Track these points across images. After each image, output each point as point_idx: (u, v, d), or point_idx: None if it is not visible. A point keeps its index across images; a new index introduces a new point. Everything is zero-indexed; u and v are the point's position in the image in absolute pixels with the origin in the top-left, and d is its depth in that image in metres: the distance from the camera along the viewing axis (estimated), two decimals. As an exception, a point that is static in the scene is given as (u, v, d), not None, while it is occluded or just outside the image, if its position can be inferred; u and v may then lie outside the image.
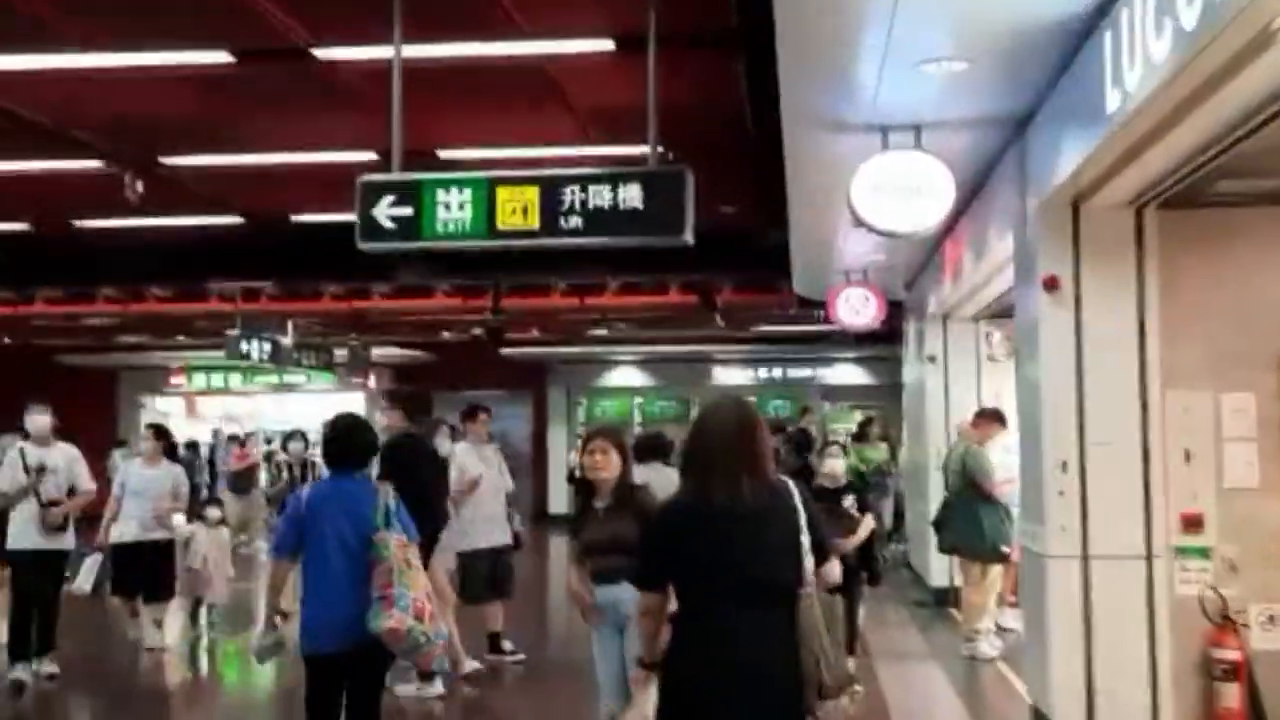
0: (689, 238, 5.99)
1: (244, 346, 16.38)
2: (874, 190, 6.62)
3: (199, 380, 25.37)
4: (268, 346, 17.04)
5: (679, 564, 3.42)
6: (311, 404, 25.03)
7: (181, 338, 20.88)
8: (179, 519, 10.22)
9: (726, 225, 11.74)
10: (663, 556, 3.48)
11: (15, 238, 13.31)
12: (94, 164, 9.92)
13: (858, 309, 12.44)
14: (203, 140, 9.50)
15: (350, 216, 6.30)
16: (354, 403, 24.49)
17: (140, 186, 9.77)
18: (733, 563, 3.31)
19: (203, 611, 10.57)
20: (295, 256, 13.78)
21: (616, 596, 4.95)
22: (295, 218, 12.52)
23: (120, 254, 13.77)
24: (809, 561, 3.33)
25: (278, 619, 5.10)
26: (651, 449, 7.29)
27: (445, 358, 24.10)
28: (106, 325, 18.69)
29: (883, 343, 18.10)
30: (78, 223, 12.59)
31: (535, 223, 6.07)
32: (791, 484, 3.47)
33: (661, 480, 6.01)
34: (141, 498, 9.48)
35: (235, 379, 25.10)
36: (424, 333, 20.66)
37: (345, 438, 5.15)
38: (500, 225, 6.10)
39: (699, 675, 3.31)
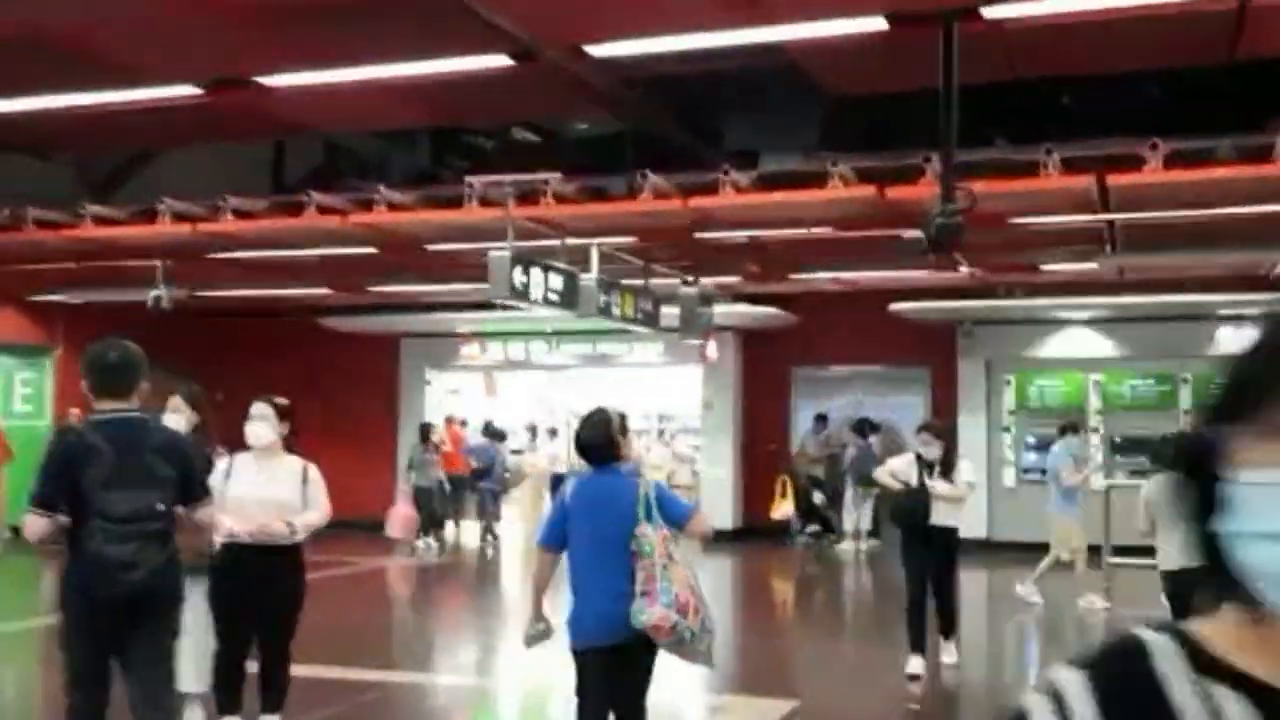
0: None
1: (517, 277, 10.19)
2: None
3: (495, 351, 19.76)
4: (558, 279, 10.80)
5: None
6: (633, 381, 19.13)
7: (458, 286, 15.03)
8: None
9: None
10: None
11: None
12: None
13: None
14: None
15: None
16: (689, 381, 18.31)
17: None
18: None
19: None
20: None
21: None
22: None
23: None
24: None
25: (545, 610, 5.14)
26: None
27: (811, 315, 17.33)
28: (350, 258, 13.03)
29: None
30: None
31: None
32: None
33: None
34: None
35: (539, 348, 19.36)
36: (780, 263, 13.69)
37: (599, 430, 5.10)
38: None
39: None
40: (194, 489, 5.02)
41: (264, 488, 6.06)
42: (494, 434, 17.56)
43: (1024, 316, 16.71)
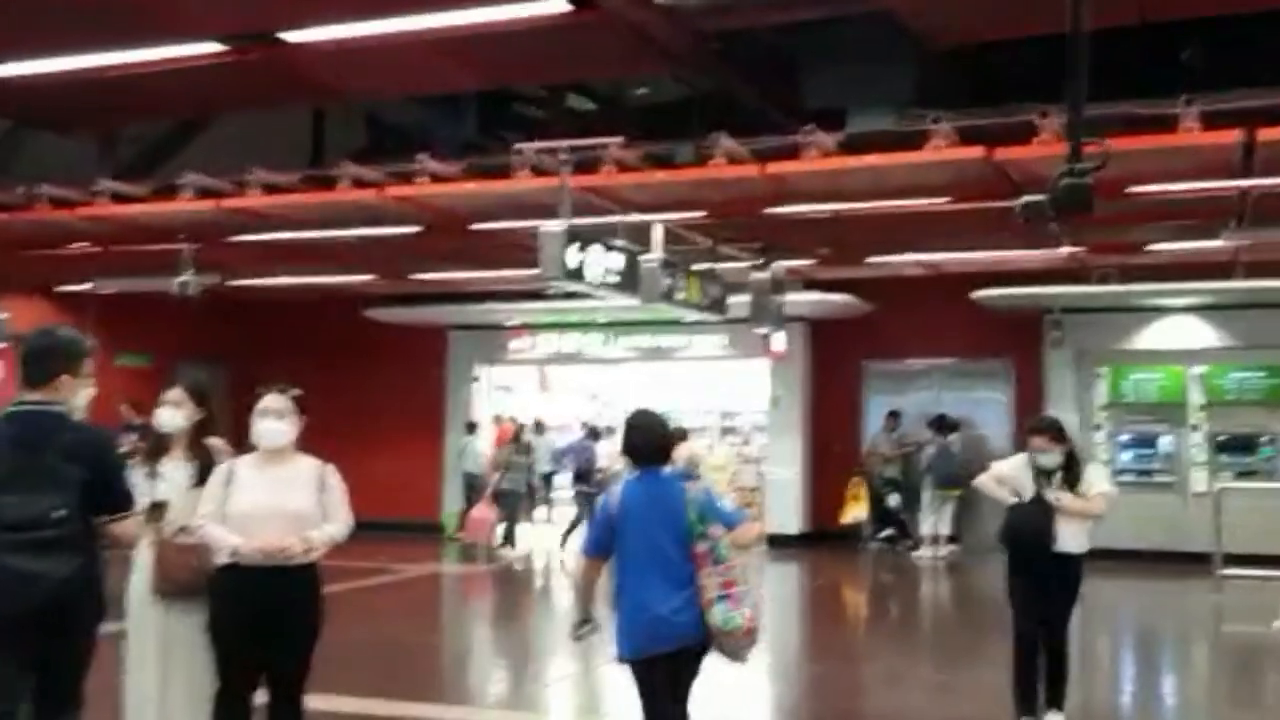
0: None
1: (572, 256, 9.07)
2: None
3: (548, 344, 18.70)
4: (617, 260, 9.68)
5: None
6: (694, 376, 18.07)
7: (509, 272, 13.96)
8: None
9: None
10: None
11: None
12: None
13: None
14: None
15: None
16: (755, 376, 17.20)
17: None
18: None
19: None
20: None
21: None
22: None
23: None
24: None
25: (591, 612, 5.01)
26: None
27: (884, 304, 16.14)
28: (390, 240, 11.97)
29: None
30: None
31: None
32: None
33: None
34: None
35: (595, 341, 18.29)
36: (861, 243, 12.46)
37: (649, 432, 4.99)
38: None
39: None
40: (108, 497, 4.35)
41: (274, 497, 5.02)
42: (594, 433, 16.46)
43: (1118, 304, 15.37)
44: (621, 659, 4.80)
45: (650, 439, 4.98)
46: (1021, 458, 6.69)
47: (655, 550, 4.74)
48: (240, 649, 5.01)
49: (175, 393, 5.50)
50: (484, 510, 15.65)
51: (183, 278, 12.03)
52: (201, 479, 5.21)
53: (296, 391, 5.20)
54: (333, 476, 5.16)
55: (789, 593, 14.62)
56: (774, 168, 8.72)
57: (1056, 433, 6.57)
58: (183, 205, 10.47)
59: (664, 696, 4.77)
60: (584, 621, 5.02)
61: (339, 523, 5.10)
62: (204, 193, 10.45)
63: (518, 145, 9.33)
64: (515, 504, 15.84)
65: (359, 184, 9.94)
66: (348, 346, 18.85)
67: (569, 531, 15.33)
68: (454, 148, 11.41)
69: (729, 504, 5.23)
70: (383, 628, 10.43)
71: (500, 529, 15.83)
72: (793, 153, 8.59)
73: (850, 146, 8.70)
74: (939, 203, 9.26)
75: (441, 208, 10.40)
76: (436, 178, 9.76)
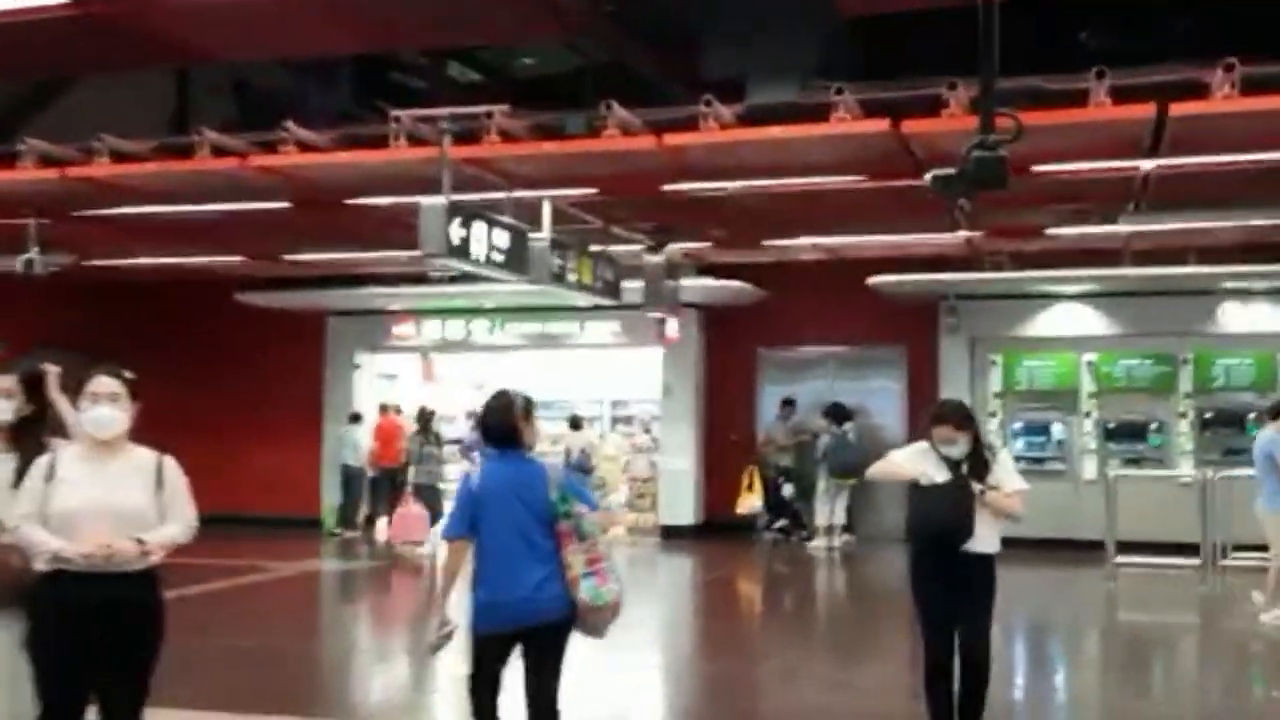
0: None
1: (455, 232, 8.46)
2: None
3: (431, 330, 17.97)
4: (503, 237, 9.09)
5: None
6: (585, 364, 17.60)
7: (390, 253, 13.24)
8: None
9: None
10: None
11: None
12: None
13: None
14: None
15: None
16: (648, 364, 16.78)
17: None
18: None
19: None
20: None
21: None
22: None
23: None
24: None
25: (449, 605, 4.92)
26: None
27: (779, 291, 15.83)
28: (257, 216, 11.17)
29: None
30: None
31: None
32: None
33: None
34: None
35: (481, 328, 17.64)
36: (772, 226, 12.08)
37: (507, 414, 4.95)
38: None
39: None
40: None
41: (104, 494, 4.38)
42: (575, 424, 15.73)
43: (1013, 290, 15.28)
44: (477, 634, 4.78)
45: (508, 420, 4.95)
46: (921, 446, 5.69)
47: (518, 529, 4.76)
48: (65, 668, 4.36)
49: (6, 381, 4.88)
50: (411, 506, 14.57)
51: (27, 255, 11.05)
52: (22, 478, 4.55)
53: (130, 374, 4.55)
54: (172, 470, 4.51)
55: (682, 586, 14.21)
56: (671, 139, 8.21)
57: (962, 419, 5.60)
58: (22, 174, 9.55)
59: (497, 673, 4.83)
60: (444, 624, 4.87)
61: (180, 523, 4.47)
62: (47, 160, 9.55)
63: (394, 112, 8.67)
64: (436, 499, 14.43)
65: (219, 153, 9.16)
66: (220, 333, 18.01)
67: None
68: (327, 119, 10.67)
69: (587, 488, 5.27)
70: (245, 632, 9.70)
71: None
72: (690, 124, 8.09)
73: (750, 119, 8.25)
74: (842, 181, 8.86)
75: (311, 180, 9.67)
76: (304, 146, 9.03)
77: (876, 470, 5.92)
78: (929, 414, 5.77)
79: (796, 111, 8.14)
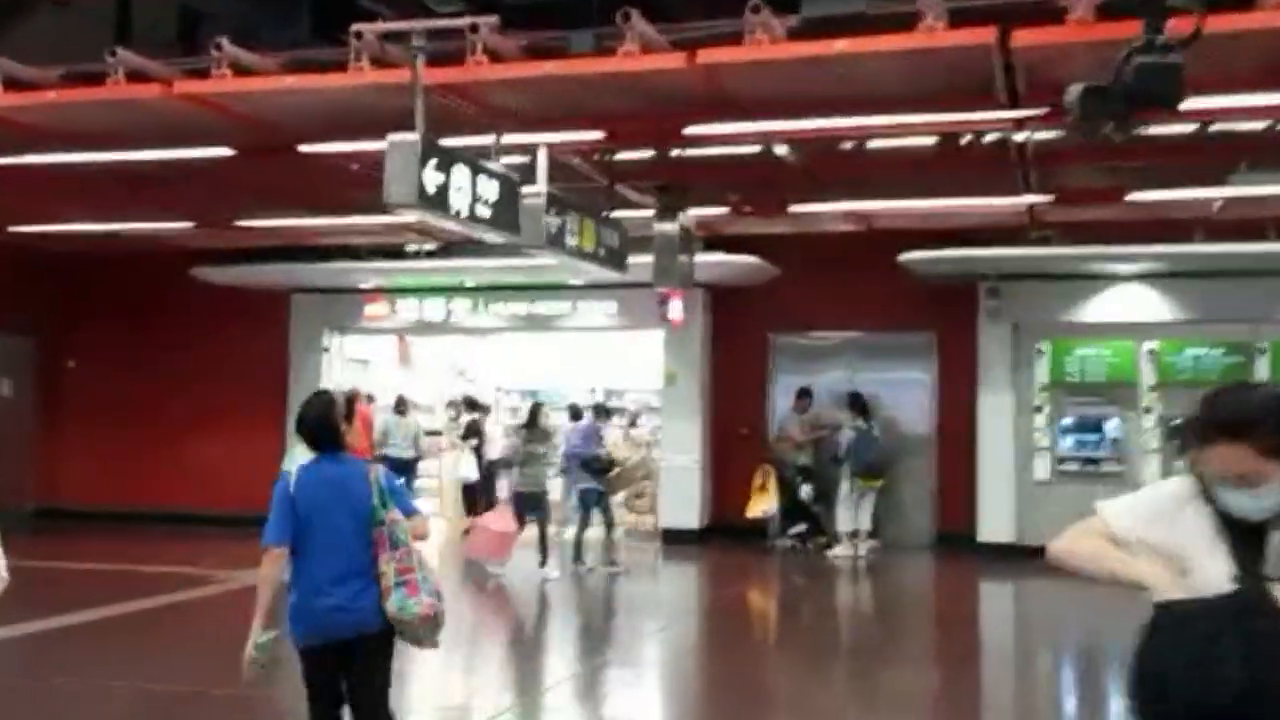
0: None
1: (430, 177, 6.64)
2: None
3: (407, 310, 16.18)
4: (490, 188, 7.27)
5: None
6: (577, 349, 15.97)
7: (357, 219, 11.42)
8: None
9: None
10: None
11: None
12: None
13: None
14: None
15: None
16: (647, 349, 15.10)
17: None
18: None
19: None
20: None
21: None
22: None
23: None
24: None
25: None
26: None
27: (793, 269, 14.10)
28: (195, 166, 9.31)
29: None
30: None
31: None
32: None
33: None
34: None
35: (462, 307, 15.88)
36: (804, 189, 10.28)
37: (324, 415, 4.78)
38: None
39: None
40: None
41: None
42: (575, 413, 13.39)
43: (1064, 270, 13.56)
44: (296, 646, 4.62)
45: (326, 422, 4.75)
46: (1173, 489, 2.84)
47: (335, 535, 4.60)
48: None
49: None
50: (506, 520, 12.07)
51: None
52: None
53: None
54: None
55: (684, 602, 12.39)
56: (705, 55, 6.38)
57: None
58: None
59: (331, 684, 4.64)
60: (265, 630, 4.52)
61: None
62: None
63: (356, 26, 6.84)
64: (539, 507, 12.04)
65: (136, 77, 7.32)
66: (172, 312, 16.37)
67: (579, 539, 12.63)
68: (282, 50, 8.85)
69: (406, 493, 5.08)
70: (166, 671, 7.92)
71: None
72: (735, 38, 6.29)
73: (808, 31, 6.43)
74: (932, 120, 7.02)
75: (254, 116, 7.82)
76: (240, 69, 7.18)
77: (1070, 555, 3.01)
78: (1201, 417, 2.72)
79: (865, 22, 6.34)
